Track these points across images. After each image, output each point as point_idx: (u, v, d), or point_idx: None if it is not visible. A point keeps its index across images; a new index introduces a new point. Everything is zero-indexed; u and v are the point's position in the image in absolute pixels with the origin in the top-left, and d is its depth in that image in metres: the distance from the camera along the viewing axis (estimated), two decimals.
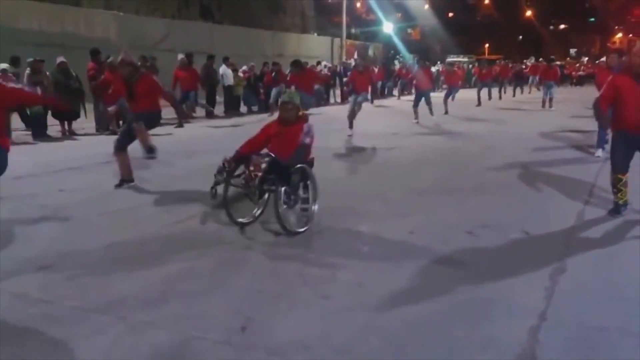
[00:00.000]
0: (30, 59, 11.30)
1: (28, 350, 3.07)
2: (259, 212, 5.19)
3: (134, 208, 5.97)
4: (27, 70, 11.15)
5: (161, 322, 3.34)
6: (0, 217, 5.25)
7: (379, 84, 22.44)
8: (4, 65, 10.49)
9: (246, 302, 3.63)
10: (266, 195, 5.06)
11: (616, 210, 5.47)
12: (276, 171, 4.81)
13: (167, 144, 9.60)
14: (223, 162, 4.99)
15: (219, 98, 16.79)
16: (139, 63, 11.54)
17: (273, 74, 16.84)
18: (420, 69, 15.72)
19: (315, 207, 5.16)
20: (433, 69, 25.88)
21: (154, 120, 6.99)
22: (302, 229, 4.95)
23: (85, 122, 12.30)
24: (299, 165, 4.95)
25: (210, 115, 15.29)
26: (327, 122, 12.85)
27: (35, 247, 4.66)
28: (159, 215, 5.72)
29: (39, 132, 11.18)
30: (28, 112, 11.13)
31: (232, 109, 16.92)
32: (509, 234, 4.97)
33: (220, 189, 4.97)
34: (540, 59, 27.59)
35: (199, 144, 10.49)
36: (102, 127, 11.98)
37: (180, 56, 14.17)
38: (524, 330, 3.21)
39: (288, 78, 13.93)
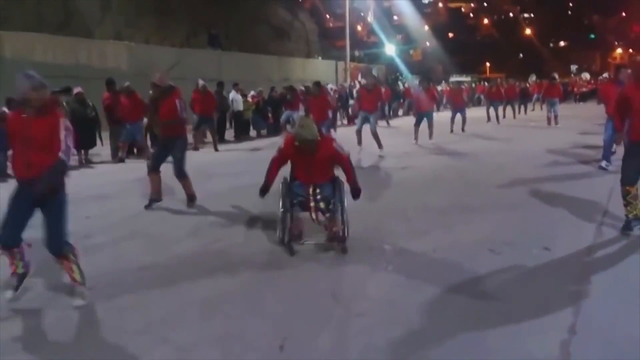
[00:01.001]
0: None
1: None
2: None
3: (161, 232, 6.12)
4: None
5: (203, 342, 3.47)
6: None
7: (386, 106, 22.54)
8: None
9: (281, 321, 3.76)
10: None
11: (627, 226, 5.48)
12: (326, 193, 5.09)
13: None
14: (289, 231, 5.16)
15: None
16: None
17: (287, 97, 17.33)
18: (422, 89, 15.21)
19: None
20: (439, 88, 26.25)
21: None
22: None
23: (102, 149, 12.51)
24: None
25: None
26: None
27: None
28: (186, 238, 5.86)
29: None
30: None
31: (242, 134, 17.15)
32: (530, 251, 5.09)
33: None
34: (534, 78, 27.71)
35: (215, 168, 10.66)
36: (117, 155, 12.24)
37: (201, 82, 14.08)
38: (555, 344, 3.33)
39: (305, 100, 13.84)
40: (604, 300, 3.94)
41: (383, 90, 21.93)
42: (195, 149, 13.02)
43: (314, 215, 5.02)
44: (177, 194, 7.86)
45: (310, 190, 5.04)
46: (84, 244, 5.73)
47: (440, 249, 5.19)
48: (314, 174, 5.13)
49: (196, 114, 13.70)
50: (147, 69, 18.59)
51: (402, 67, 43.01)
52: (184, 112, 7.28)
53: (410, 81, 30.26)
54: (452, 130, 16.08)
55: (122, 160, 11.89)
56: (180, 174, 7.16)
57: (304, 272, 4.72)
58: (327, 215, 5.08)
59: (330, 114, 12.74)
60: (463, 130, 16.07)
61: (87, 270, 4.80)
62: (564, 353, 3.24)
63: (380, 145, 11.66)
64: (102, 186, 9.07)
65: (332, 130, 12.05)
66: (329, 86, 21.90)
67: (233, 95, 16.76)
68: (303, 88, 18.77)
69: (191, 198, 7.30)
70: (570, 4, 78.45)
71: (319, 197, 5.02)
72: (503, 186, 8.20)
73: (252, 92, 17.91)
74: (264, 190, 5.24)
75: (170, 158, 7.23)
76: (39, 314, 3.95)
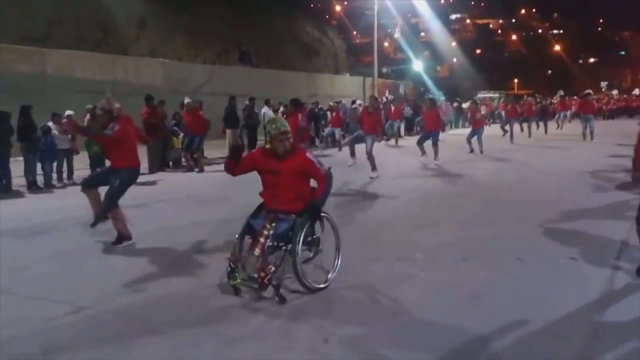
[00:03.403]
0: (89, 106, 12.05)
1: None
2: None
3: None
4: (87, 116, 11.91)
5: None
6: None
7: (396, 124, 21.47)
8: (69, 112, 11.27)
9: (330, 320, 3.97)
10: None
11: None
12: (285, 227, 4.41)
13: (200, 188, 10.18)
14: (229, 263, 4.44)
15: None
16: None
17: (334, 114, 18.29)
18: (427, 108, 14.74)
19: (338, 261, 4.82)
20: (464, 106, 26.20)
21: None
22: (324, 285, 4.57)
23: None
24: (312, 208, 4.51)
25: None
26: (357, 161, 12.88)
27: (126, 274, 5.06)
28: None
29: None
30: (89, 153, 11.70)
31: None
32: (556, 260, 5.27)
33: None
34: (562, 94, 26.99)
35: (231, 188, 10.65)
36: (155, 166, 12.68)
37: (187, 100, 13.69)
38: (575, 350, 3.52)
39: (360, 117, 13.10)
40: (626, 305, 4.13)
41: (393, 108, 21.96)
42: (190, 169, 12.94)
43: (256, 251, 4.31)
44: (207, 207, 8.11)
45: (267, 224, 4.40)
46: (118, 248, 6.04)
47: (469, 258, 5.39)
48: (280, 194, 4.52)
49: (186, 134, 13.27)
50: (181, 85, 19.24)
51: (429, 83, 43.24)
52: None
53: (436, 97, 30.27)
54: (471, 150, 15.23)
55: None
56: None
57: (337, 290, 4.59)
58: (260, 254, 4.32)
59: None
60: (481, 152, 15.12)
61: (141, 273, 5.10)
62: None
63: (374, 168, 11.25)
64: (142, 197, 9.27)
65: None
66: (358, 102, 22.21)
67: (265, 110, 17.22)
68: (333, 104, 19.36)
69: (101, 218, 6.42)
70: (600, 20, 77.88)
71: (271, 232, 4.36)
72: (525, 201, 8.34)
73: (282, 109, 18.33)
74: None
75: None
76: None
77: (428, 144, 13.39)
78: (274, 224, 4.39)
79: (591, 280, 4.70)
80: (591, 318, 3.96)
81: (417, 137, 14.98)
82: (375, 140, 11.68)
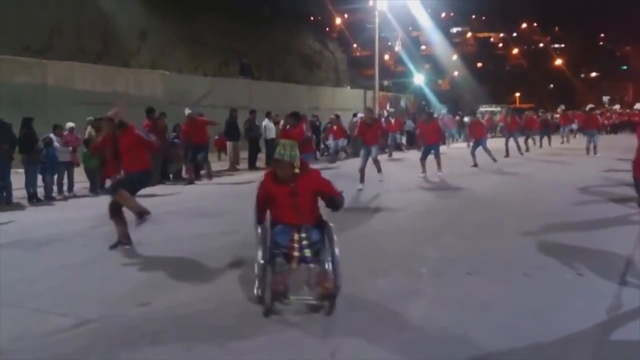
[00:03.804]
0: (91, 118, 12.01)
1: None
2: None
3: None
4: (89, 129, 11.84)
5: None
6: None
7: (397, 136, 21.64)
8: (71, 124, 11.22)
9: (336, 334, 3.91)
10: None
11: None
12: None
13: (201, 200, 10.11)
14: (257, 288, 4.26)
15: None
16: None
17: (335, 127, 18.46)
18: (425, 121, 14.53)
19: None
20: (466, 119, 26.13)
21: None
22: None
23: None
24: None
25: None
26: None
27: (129, 286, 5.02)
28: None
29: (94, 186, 11.45)
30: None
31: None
32: (563, 276, 5.19)
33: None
34: (563, 108, 26.90)
35: (229, 200, 10.43)
36: (155, 179, 12.59)
37: (188, 111, 13.65)
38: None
39: (356, 130, 13.02)
40: (633, 320, 4.06)
41: (393, 121, 21.98)
42: (191, 182, 12.95)
43: (293, 265, 4.21)
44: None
45: (295, 235, 4.26)
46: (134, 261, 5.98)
47: (475, 273, 5.30)
48: (299, 212, 4.38)
49: (189, 145, 13.25)
50: (182, 97, 19.23)
51: (431, 96, 43.30)
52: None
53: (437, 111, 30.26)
54: (475, 164, 15.18)
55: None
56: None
57: (351, 303, 4.41)
58: (313, 266, 4.26)
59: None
60: (494, 160, 15.40)
61: (148, 286, 5.03)
62: None
63: (379, 170, 11.81)
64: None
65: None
66: (359, 115, 22.22)
67: (266, 122, 17.18)
68: (334, 116, 19.43)
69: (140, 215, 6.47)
70: (602, 35, 78.24)
71: (304, 243, 4.23)
72: (531, 214, 8.25)
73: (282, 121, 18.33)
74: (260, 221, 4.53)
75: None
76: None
77: (430, 159, 13.24)
78: (304, 235, 4.25)
79: (598, 295, 4.61)
80: (599, 334, 3.89)
81: (418, 151, 14.90)
82: (379, 150, 11.73)
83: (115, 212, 6.47)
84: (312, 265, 4.27)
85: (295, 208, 4.37)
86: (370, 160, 11.63)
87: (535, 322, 4.08)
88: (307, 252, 4.19)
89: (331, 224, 4.46)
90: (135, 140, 6.49)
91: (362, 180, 11.37)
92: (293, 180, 4.35)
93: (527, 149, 20.12)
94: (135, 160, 6.50)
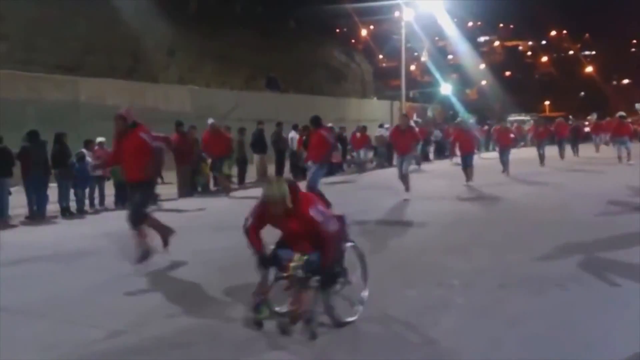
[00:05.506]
0: None
1: None
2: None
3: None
4: None
5: None
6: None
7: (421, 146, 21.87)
8: (101, 139, 11.42)
9: (366, 347, 3.86)
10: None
11: None
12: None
13: (228, 213, 10.03)
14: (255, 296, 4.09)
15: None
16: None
17: (358, 135, 18.76)
18: (464, 130, 14.50)
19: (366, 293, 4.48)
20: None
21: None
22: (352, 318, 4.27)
23: (163, 188, 12.78)
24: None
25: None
26: (387, 184, 12.84)
27: (160, 300, 5.08)
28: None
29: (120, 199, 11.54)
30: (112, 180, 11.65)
31: (299, 174, 17.49)
32: (598, 287, 5.06)
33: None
34: (596, 117, 26.31)
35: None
36: (185, 192, 12.70)
37: (211, 121, 13.75)
38: None
39: (390, 137, 13.12)
40: None
41: (418, 130, 21.76)
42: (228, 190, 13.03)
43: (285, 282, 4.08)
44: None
45: (296, 256, 4.09)
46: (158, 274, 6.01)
47: (507, 285, 5.19)
48: (301, 241, 4.19)
49: (211, 157, 13.36)
50: (209, 111, 19.44)
51: (458, 105, 42.90)
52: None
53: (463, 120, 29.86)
54: (504, 171, 15.32)
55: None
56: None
57: (373, 316, 4.37)
58: (295, 286, 4.04)
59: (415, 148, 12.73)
60: (506, 172, 15.18)
61: (176, 296, 5.05)
62: None
63: (407, 188, 11.13)
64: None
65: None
66: (385, 126, 22.16)
67: (292, 135, 17.24)
68: (361, 126, 19.50)
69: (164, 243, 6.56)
70: (634, 41, 76.71)
71: (302, 263, 4.02)
72: (559, 226, 8.03)
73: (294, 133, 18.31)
74: (262, 259, 4.20)
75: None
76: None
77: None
78: (305, 257, 4.04)
79: (636, 308, 4.45)
80: (637, 349, 3.73)
81: (446, 160, 14.76)
82: (412, 160, 11.36)
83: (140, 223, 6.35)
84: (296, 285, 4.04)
85: (295, 237, 4.19)
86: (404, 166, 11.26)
87: (569, 335, 3.97)
88: (299, 272, 3.99)
89: (354, 243, 4.48)
90: (138, 146, 6.40)
91: (407, 189, 11.08)
92: (287, 215, 4.07)
93: (562, 157, 19.96)
94: (134, 168, 6.44)
